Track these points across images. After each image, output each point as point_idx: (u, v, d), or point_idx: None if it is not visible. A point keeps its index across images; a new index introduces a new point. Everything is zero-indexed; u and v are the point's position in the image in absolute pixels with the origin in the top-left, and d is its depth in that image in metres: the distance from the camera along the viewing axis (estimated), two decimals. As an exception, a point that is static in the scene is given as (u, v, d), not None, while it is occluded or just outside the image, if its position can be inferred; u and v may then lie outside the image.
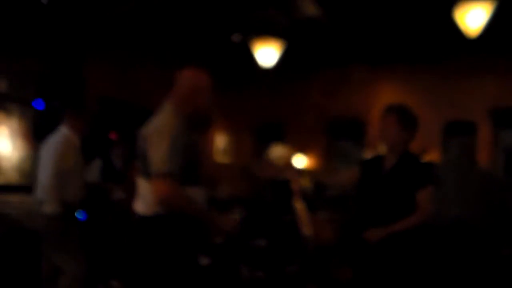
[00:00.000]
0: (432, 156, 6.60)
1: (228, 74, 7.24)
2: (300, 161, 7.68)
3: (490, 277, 3.84)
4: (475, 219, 3.65)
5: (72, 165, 3.66)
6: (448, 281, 3.65)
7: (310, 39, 6.33)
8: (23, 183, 5.15)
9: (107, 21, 5.74)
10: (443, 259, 3.65)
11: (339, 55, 6.96)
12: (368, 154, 6.35)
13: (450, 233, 3.64)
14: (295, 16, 5.53)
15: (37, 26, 5.39)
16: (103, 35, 6.01)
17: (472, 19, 4.60)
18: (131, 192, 4.35)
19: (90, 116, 3.93)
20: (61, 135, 3.72)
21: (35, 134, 5.36)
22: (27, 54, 5.36)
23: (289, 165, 4.73)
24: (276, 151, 4.62)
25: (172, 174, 2.34)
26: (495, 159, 6.40)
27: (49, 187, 3.56)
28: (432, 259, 3.68)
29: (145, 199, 2.50)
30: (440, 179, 3.76)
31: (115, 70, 6.28)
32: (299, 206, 4.71)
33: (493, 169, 6.34)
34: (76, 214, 3.72)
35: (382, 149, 3.12)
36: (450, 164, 3.87)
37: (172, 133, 2.41)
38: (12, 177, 5.22)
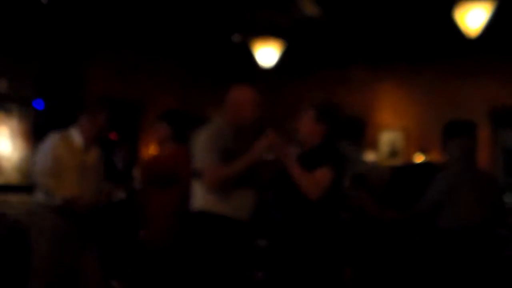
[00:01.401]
0: (432, 156, 6.60)
1: (228, 74, 7.24)
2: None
3: (504, 279, 3.84)
4: (488, 223, 3.65)
5: (68, 165, 3.49)
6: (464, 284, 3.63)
7: (310, 39, 6.33)
8: (23, 183, 5.15)
9: (107, 21, 5.75)
10: (462, 262, 3.62)
11: (339, 55, 6.96)
12: (368, 154, 6.36)
13: (467, 237, 3.62)
14: (295, 16, 5.53)
15: (37, 26, 5.39)
16: (103, 35, 6.01)
17: (472, 19, 4.60)
18: (132, 193, 4.33)
19: (104, 120, 3.72)
20: (61, 134, 3.60)
21: (35, 134, 5.36)
22: (27, 54, 5.36)
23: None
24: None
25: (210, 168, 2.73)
26: (495, 159, 6.40)
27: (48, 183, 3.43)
28: (450, 262, 3.66)
29: (192, 197, 2.90)
30: (455, 181, 3.73)
31: (116, 70, 6.28)
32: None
33: (493, 169, 6.34)
34: (74, 224, 3.50)
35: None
36: (456, 167, 3.85)
37: (211, 138, 2.81)
38: (12, 177, 5.22)
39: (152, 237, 3.65)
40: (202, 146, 2.83)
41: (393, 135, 7.02)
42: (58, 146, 3.51)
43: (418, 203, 3.80)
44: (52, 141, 3.54)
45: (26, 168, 5.25)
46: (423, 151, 6.67)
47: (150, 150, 6.38)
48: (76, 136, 3.61)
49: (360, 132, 7.31)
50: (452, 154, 3.86)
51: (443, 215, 3.68)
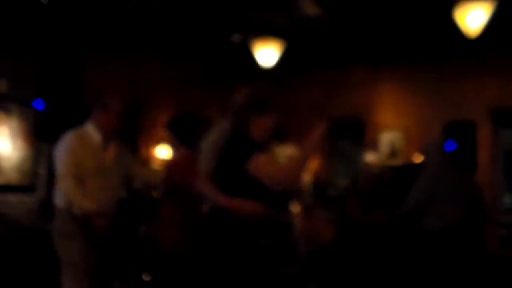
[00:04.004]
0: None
1: (228, 74, 7.24)
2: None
3: (487, 277, 3.89)
4: (472, 220, 3.71)
5: (89, 166, 3.23)
6: (447, 283, 3.67)
7: (310, 39, 6.33)
8: (23, 183, 5.16)
9: (107, 21, 5.74)
10: (443, 262, 3.66)
11: (340, 55, 6.95)
12: (368, 154, 6.36)
13: (449, 236, 3.67)
14: (295, 16, 5.53)
15: (37, 27, 5.39)
16: (103, 35, 6.01)
17: (472, 19, 4.59)
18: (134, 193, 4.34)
19: (122, 109, 3.38)
20: (77, 131, 3.29)
21: (35, 134, 5.36)
22: (27, 54, 5.36)
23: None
24: (284, 151, 4.65)
25: (205, 172, 2.79)
26: (495, 159, 6.40)
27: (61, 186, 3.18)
28: (432, 262, 3.69)
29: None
30: (437, 182, 3.80)
31: (115, 70, 6.28)
32: (294, 206, 4.71)
33: (493, 169, 6.34)
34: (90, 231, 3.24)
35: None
36: (440, 168, 3.92)
37: (215, 142, 2.86)
38: (12, 177, 5.22)
39: (172, 243, 3.62)
40: (206, 149, 2.96)
41: (393, 135, 7.01)
42: (76, 146, 3.23)
43: (403, 206, 3.87)
44: (68, 140, 3.25)
45: (26, 168, 5.26)
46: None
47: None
48: (93, 132, 3.30)
49: (360, 132, 7.31)
50: (432, 156, 3.96)
51: (427, 216, 3.75)
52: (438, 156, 3.97)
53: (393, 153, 6.97)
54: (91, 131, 3.32)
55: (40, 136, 5.36)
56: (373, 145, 7.03)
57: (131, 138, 6.44)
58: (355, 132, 7.39)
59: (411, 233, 4.01)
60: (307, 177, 6.99)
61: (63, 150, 3.24)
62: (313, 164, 7.55)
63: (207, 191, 2.71)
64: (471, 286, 3.64)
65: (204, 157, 2.89)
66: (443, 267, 3.65)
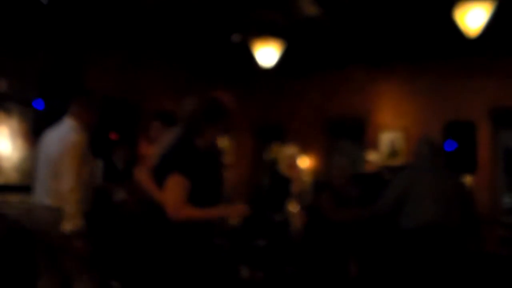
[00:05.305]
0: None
1: (228, 74, 7.25)
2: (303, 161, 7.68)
3: (468, 276, 3.88)
4: (451, 220, 3.66)
5: (86, 167, 3.22)
6: (428, 282, 3.64)
7: (310, 39, 6.33)
8: (23, 183, 5.15)
9: (108, 21, 5.75)
10: (421, 260, 3.63)
11: (339, 55, 6.96)
12: (369, 154, 6.36)
13: (429, 234, 3.63)
14: (295, 16, 5.53)
15: (37, 26, 5.39)
16: (103, 35, 6.01)
17: (472, 19, 4.60)
18: (133, 193, 4.35)
19: (98, 108, 3.43)
20: (72, 128, 3.25)
21: (35, 134, 5.35)
22: (27, 54, 5.36)
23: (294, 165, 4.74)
24: (286, 150, 4.64)
25: (150, 164, 2.87)
26: (495, 159, 6.40)
27: (71, 197, 3.07)
28: (411, 261, 3.67)
29: None
30: (415, 180, 3.76)
31: (116, 70, 6.28)
32: (292, 206, 4.72)
33: (493, 169, 6.35)
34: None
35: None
36: (424, 166, 3.87)
37: (167, 138, 2.93)
38: (12, 177, 5.22)
39: None
40: (159, 144, 3.03)
41: (393, 135, 7.02)
42: (82, 141, 3.21)
43: (377, 203, 3.82)
44: (79, 141, 3.19)
45: (26, 168, 5.26)
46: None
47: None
48: (80, 130, 3.32)
49: (360, 132, 7.31)
50: (418, 154, 3.91)
51: (403, 214, 3.70)
52: (423, 152, 3.88)
53: (393, 153, 6.97)
54: (78, 129, 3.27)
55: (40, 136, 5.37)
56: (373, 145, 7.03)
57: (131, 138, 6.44)
58: (355, 132, 7.40)
59: (388, 231, 3.98)
60: (307, 177, 6.98)
61: (78, 154, 3.14)
62: (311, 164, 7.55)
63: (143, 180, 2.78)
64: (452, 284, 3.62)
65: (156, 151, 2.90)
66: (419, 265, 3.61)
